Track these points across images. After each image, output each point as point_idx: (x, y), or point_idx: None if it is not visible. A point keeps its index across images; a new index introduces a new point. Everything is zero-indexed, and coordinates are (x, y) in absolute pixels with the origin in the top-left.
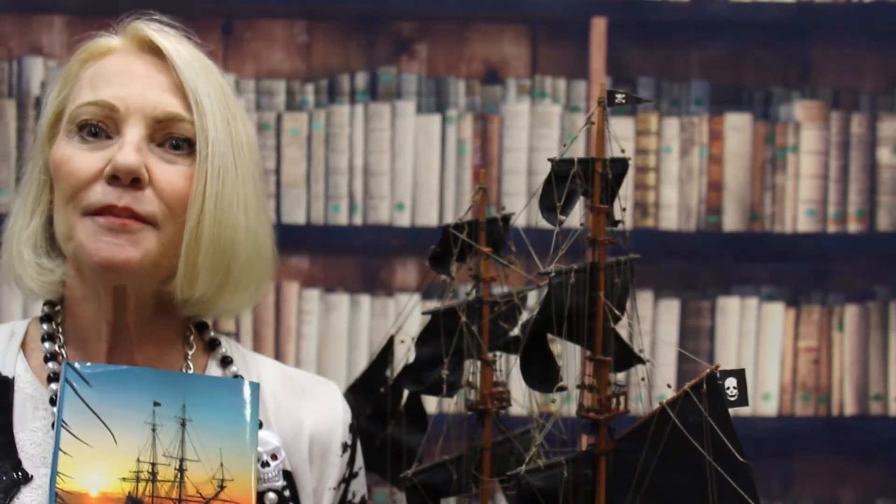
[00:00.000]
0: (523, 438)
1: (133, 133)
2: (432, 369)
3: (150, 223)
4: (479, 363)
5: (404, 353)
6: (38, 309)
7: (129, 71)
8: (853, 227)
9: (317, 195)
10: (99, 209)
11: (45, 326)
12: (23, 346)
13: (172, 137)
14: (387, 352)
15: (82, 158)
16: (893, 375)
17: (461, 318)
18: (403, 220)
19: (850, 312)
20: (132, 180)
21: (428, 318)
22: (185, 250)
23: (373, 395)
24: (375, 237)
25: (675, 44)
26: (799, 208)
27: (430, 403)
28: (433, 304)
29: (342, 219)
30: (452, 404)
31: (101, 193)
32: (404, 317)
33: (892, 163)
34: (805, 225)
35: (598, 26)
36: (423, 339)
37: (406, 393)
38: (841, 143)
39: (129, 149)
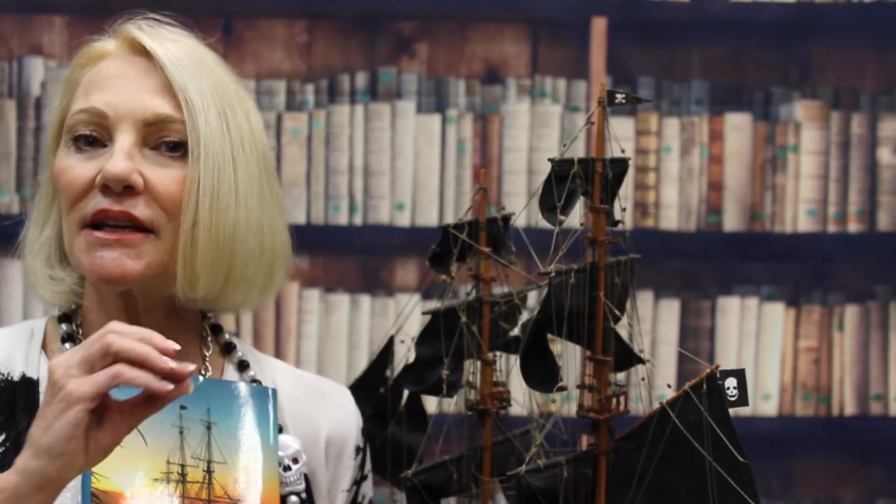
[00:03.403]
0: (523, 438)
1: (124, 139)
2: (432, 369)
3: (149, 230)
4: (479, 363)
5: (404, 353)
6: (39, 308)
7: (119, 75)
8: (853, 227)
9: (317, 195)
10: (94, 215)
11: (63, 327)
12: (43, 346)
13: (165, 140)
14: (387, 352)
15: (78, 169)
16: (894, 375)
17: (461, 318)
18: (403, 220)
19: (851, 312)
20: (125, 188)
21: (428, 318)
22: (183, 254)
23: (373, 395)
24: (375, 237)
25: (675, 44)
26: (799, 208)
27: (430, 403)
28: (433, 304)
29: (342, 219)
30: (452, 404)
31: (95, 202)
32: (404, 317)
33: (892, 163)
34: (805, 225)
35: (598, 26)
36: (423, 339)
37: (406, 393)
38: (841, 143)
39: (119, 156)
